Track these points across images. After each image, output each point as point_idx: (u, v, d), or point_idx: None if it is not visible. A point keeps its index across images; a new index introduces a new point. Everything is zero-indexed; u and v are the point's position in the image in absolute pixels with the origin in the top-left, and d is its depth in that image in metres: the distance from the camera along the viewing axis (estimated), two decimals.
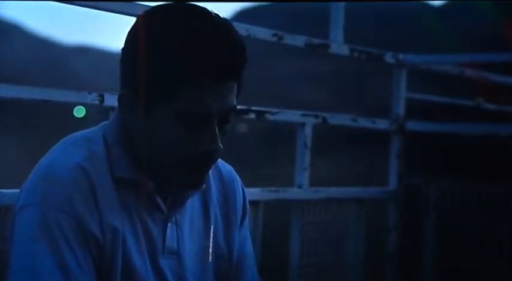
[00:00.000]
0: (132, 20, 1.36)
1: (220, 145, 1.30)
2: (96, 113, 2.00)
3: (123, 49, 1.33)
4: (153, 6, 1.35)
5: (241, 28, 2.38)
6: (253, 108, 2.42)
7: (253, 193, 2.39)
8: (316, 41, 2.65)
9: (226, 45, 1.27)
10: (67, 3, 1.94)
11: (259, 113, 2.44)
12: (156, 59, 1.27)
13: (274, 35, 2.48)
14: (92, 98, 1.94)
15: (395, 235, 2.97)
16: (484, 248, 2.84)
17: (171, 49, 1.26)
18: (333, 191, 2.74)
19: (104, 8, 1.97)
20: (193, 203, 1.42)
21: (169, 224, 1.37)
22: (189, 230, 1.41)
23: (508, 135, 2.86)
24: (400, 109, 3.01)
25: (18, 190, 1.34)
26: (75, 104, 1.94)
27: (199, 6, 1.32)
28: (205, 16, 1.30)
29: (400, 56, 2.99)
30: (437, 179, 2.95)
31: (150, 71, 1.27)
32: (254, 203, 2.38)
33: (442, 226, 2.93)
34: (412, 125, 3.01)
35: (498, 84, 3.54)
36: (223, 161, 1.51)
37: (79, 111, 1.92)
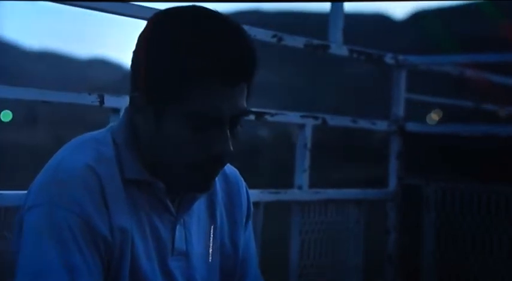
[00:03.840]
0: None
1: (231, 147, 1.30)
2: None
3: (134, 52, 1.33)
4: (163, 9, 1.35)
5: None
6: (253, 109, 2.42)
7: (253, 194, 2.37)
8: (315, 42, 2.65)
9: (237, 48, 1.27)
10: (68, 4, 1.94)
11: (259, 115, 2.44)
12: (167, 61, 1.27)
13: (274, 36, 2.48)
14: (92, 99, 1.95)
15: (395, 236, 2.97)
16: (484, 248, 2.84)
17: (182, 51, 1.26)
18: (333, 193, 2.75)
19: (103, 9, 1.98)
20: (199, 204, 1.43)
21: (177, 225, 1.38)
22: (196, 231, 1.42)
23: (507, 136, 2.86)
24: (400, 110, 3.01)
25: (19, 192, 1.34)
26: (75, 105, 1.94)
27: (209, 9, 1.32)
28: (215, 18, 1.30)
29: (400, 56, 2.99)
30: (437, 180, 2.95)
31: (161, 74, 1.27)
32: (254, 205, 2.38)
33: (442, 227, 2.93)
34: (412, 126, 3.02)
35: (498, 85, 3.55)
36: (228, 164, 1.51)
37: (5, 116, 1.91)
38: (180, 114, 1.28)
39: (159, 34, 1.30)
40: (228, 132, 1.29)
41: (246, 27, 2.33)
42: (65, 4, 1.94)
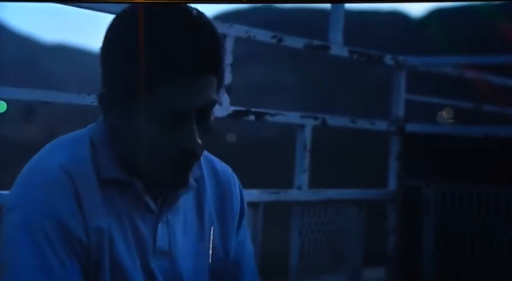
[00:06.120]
0: None
1: (199, 141, 1.28)
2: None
3: (101, 49, 1.33)
4: (127, 7, 1.34)
5: (241, 30, 2.39)
6: (253, 109, 2.42)
7: (253, 194, 2.39)
8: (315, 42, 2.66)
9: (196, 41, 1.26)
10: (69, 4, 1.94)
11: (259, 115, 2.45)
12: (128, 58, 1.26)
13: (274, 36, 2.48)
14: (91, 100, 1.95)
15: (395, 237, 2.98)
16: (484, 249, 2.84)
17: (144, 48, 1.26)
18: (332, 193, 2.75)
19: (103, 9, 1.98)
20: (186, 203, 1.41)
21: (160, 224, 1.36)
22: (182, 230, 1.40)
23: (507, 137, 2.87)
24: (400, 111, 3.01)
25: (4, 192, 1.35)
26: (74, 106, 1.95)
27: (176, 5, 1.32)
28: (177, 14, 1.29)
29: (400, 57, 2.99)
30: (437, 181, 2.96)
31: (124, 71, 1.27)
32: (254, 205, 2.39)
33: (441, 228, 2.93)
34: (412, 127, 3.02)
35: (498, 86, 3.55)
36: (220, 161, 1.50)
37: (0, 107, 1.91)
38: (146, 111, 1.27)
39: (121, 31, 1.29)
40: (196, 125, 1.28)
41: (245, 28, 2.37)
42: (66, 4, 1.95)
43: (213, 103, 1.30)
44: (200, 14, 1.30)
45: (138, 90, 1.26)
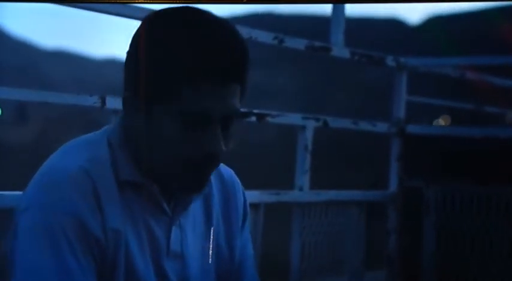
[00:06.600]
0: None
1: (223, 147, 1.30)
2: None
3: (127, 52, 1.34)
4: (156, 10, 1.35)
5: (242, 31, 2.40)
6: (255, 111, 2.43)
7: (254, 195, 2.40)
8: (317, 44, 2.66)
9: (226, 48, 1.27)
10: (67, 5, 1.95)
11: (260, 116, 2.45)
12: (156, 61, 1.27)
13: (275, 38, 2.49)
14: (94, 101, 1.96)
15: (396, 237, 2.98)
16: (484, 250, 2.85)
17: (172, 52, 1.27)
18: (334, 194, 2.75)
19: (103, 10, 1.99)
20: (195, 205, 1.42)
21: (173, 227, 1.37)
22: (192, 232, 1.41)
23: (507, 138, 2.87)
24: (401, 112, 3.02)
25: (19, 192, 1.35)
26: (76, 107, 1.96)
27: (202, 10, 1.33)
28: (206, 19, 1.30)
29: (401, 59, 3.00)
30: (437, 182, 2.96)
31: (151, 73, 1.28)
32: (255, 206, 2.40)
33: (442, 228, 2.94)
34: (412, 128, 3.03)
35: (499, 87, 3.56)
36: (223, 164, 1.51)
37: None
38: (171, 114, 1.27)
39: (150, 35, 1.30)
40: (220, 132, 1.29)
41: (246, 30, 2.38)
42: (65, 5, 1.96)
43: (237, 112, 1.31)
44: (228, 23, 1.31)
45: (166, 93, 1.27)
